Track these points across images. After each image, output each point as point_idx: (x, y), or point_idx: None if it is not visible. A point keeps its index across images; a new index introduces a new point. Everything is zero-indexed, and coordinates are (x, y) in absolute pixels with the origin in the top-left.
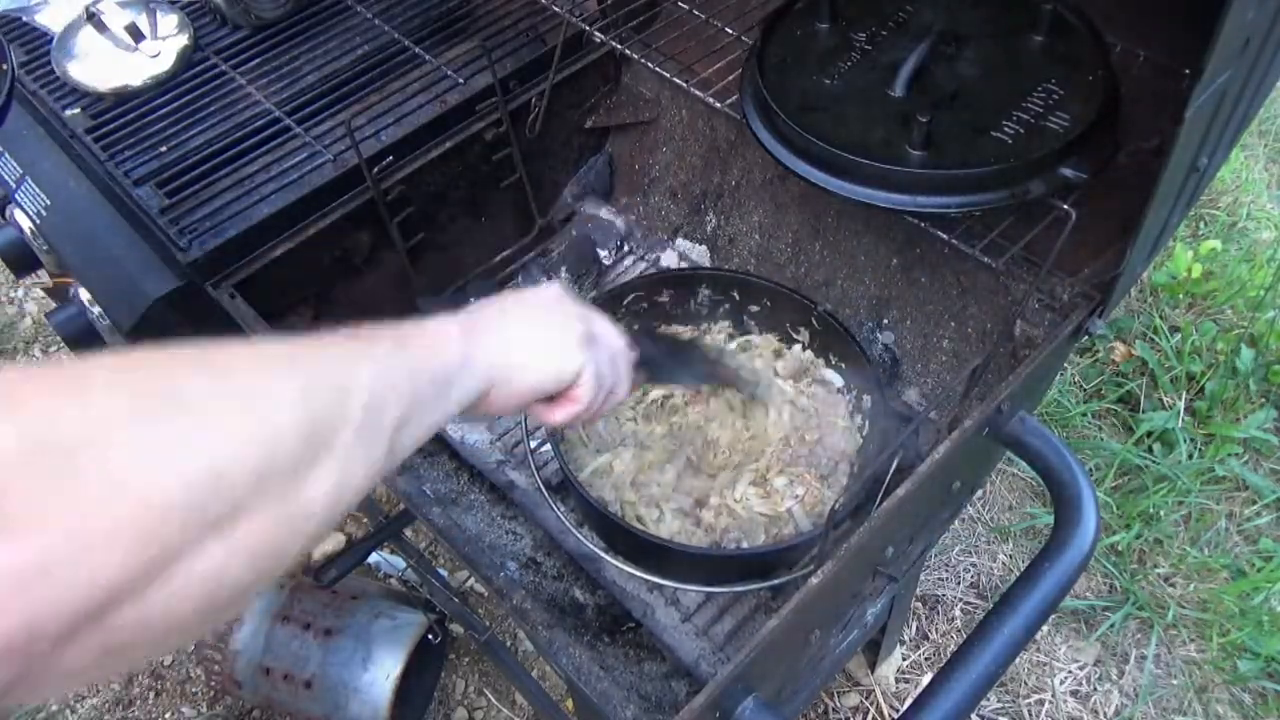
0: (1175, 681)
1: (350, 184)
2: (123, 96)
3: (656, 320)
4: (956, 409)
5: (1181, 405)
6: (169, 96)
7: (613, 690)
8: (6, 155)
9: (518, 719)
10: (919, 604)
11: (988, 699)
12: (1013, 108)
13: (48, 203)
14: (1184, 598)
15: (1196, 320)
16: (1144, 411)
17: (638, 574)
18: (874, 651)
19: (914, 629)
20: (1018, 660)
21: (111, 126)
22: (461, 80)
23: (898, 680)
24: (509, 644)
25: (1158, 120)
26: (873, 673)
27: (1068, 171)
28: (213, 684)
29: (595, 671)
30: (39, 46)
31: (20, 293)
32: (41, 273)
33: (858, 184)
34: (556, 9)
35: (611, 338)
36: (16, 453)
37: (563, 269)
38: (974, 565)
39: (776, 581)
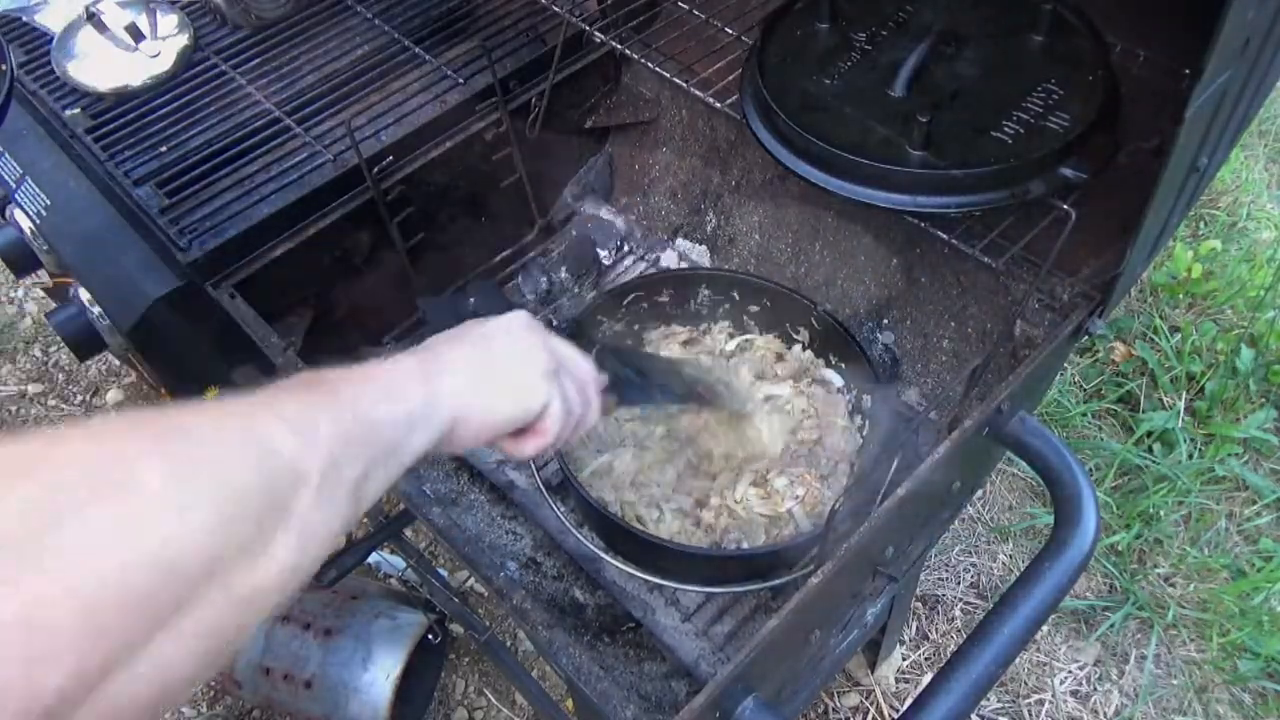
0: (1175, 681)
1: (350, 184)
2: (123, 96)
3: (657, 321)
4: (956, 409)
5: (1181, 405)
6: (169, 96)
7: (613, 690)
8: (6, 155)
9: (518, 719)
10: (919, 604)
11: (988, 699)
12: (1013, 108)
13: (48, 203)
14: (1184, 598)
15: (1196, 320)
16: (1144, 411)
17: (638, 574)
18: (874, 651)
19: (914, 629)
20: (1018, 660)
21: (111, 126)
22: (461, 80)
23: (898, 680)
24: (509, 644)
25: (1158, 120)
26: (873, 673)
27: (1068, 171)
28: (212, 684)
29: (595, 671)
30: (39, 46)
31: (20, 293)
32: (41, 273)
33: (858, 184)
34: (556, 9)
35: (578, 366)
36: None
37: (563, 269)
38: (974, 565)
39: (776, 582)
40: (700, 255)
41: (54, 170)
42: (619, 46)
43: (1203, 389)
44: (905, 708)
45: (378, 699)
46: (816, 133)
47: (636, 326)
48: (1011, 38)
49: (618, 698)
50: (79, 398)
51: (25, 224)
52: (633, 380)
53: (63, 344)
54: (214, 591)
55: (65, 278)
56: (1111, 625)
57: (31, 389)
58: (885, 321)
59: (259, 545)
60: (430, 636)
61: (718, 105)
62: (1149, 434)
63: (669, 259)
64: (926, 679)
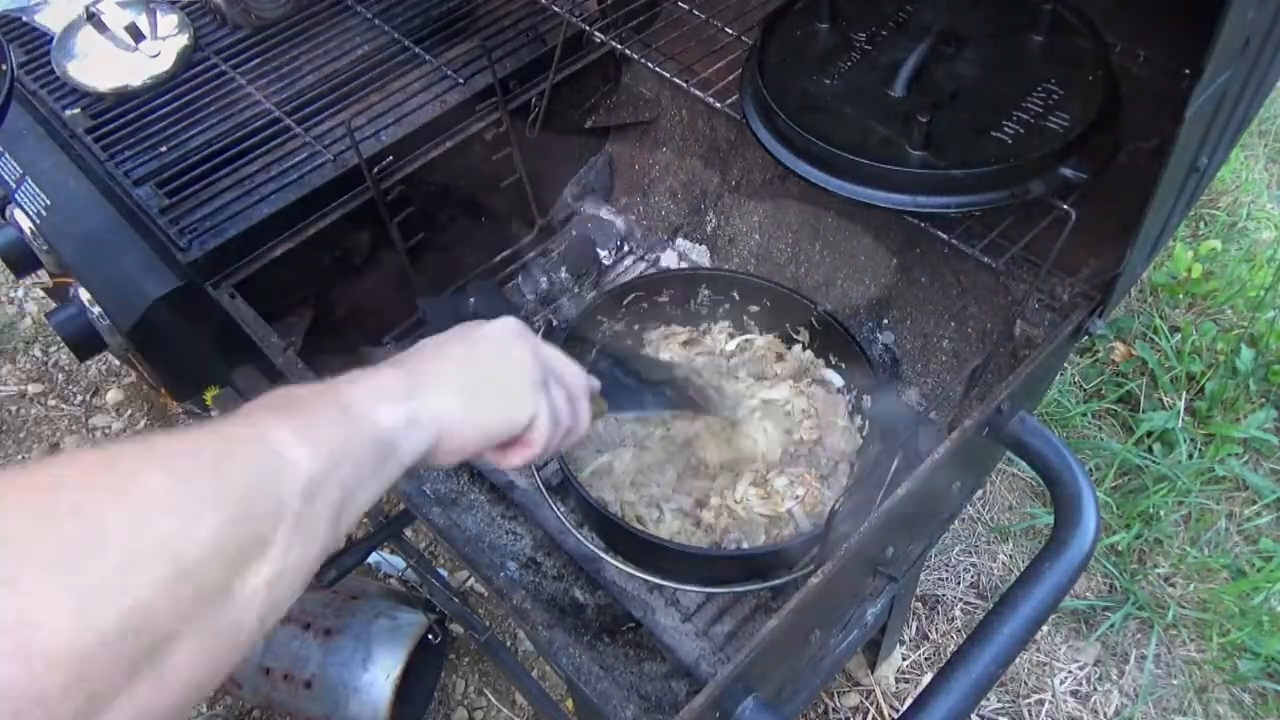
0: (1175, 681)
1: (350, 184)
2: (123, 96)
3: (657, 321)
4: (956, 409)
5: (1181, 405)
6: (169, 96)
7: (613, 690)
8: (6, 155)
9: (518, 719)
10: (919, 604)
11: (988, 699)
12: (1013, 108)
13: (48, 203)
14: (1184, 598)
15: (1196, 320)
16: (1144, 411)
17: (638, 574)
18: (874, 651)
19: (914, 629)
20: (1018, 660)
21: (111, 126)
22: (461, 80)
23: (898, 680)
24: (509, 644)
25: (1158, 120)
26: (873, 673)
27: (1068, 171)
28: None
29: (595, 671)
30: (39, 46)
31: (20, 293)
32: (41, 273)
33: (858, 184)
34: (556, 9)
35: (568, 375)
36: None
37: (563, 269)
38: (974, 565)
39: (776, 582)
40: (700, 255)
41: (54, 170)
42: (619, 46)
43: (1203, 389)
44: (905, 708)
45: (378, 699)
46: (816, 133)
47: (636, 326)
48: (1011, 38)
49: (618, 698)
50: (79, 398)
51: (25, 224)
52: (623, 386)
53: (63, 344)
54: (191, 632)
55: (65, 278)
56: (1111, 625)
57: (31, 389)
58: (885, 321)
59: (236, 580)
60: (430, 636)
61: (718, 105)
62: (1149, 434)
63: (669, 259)
64: (926, 679)
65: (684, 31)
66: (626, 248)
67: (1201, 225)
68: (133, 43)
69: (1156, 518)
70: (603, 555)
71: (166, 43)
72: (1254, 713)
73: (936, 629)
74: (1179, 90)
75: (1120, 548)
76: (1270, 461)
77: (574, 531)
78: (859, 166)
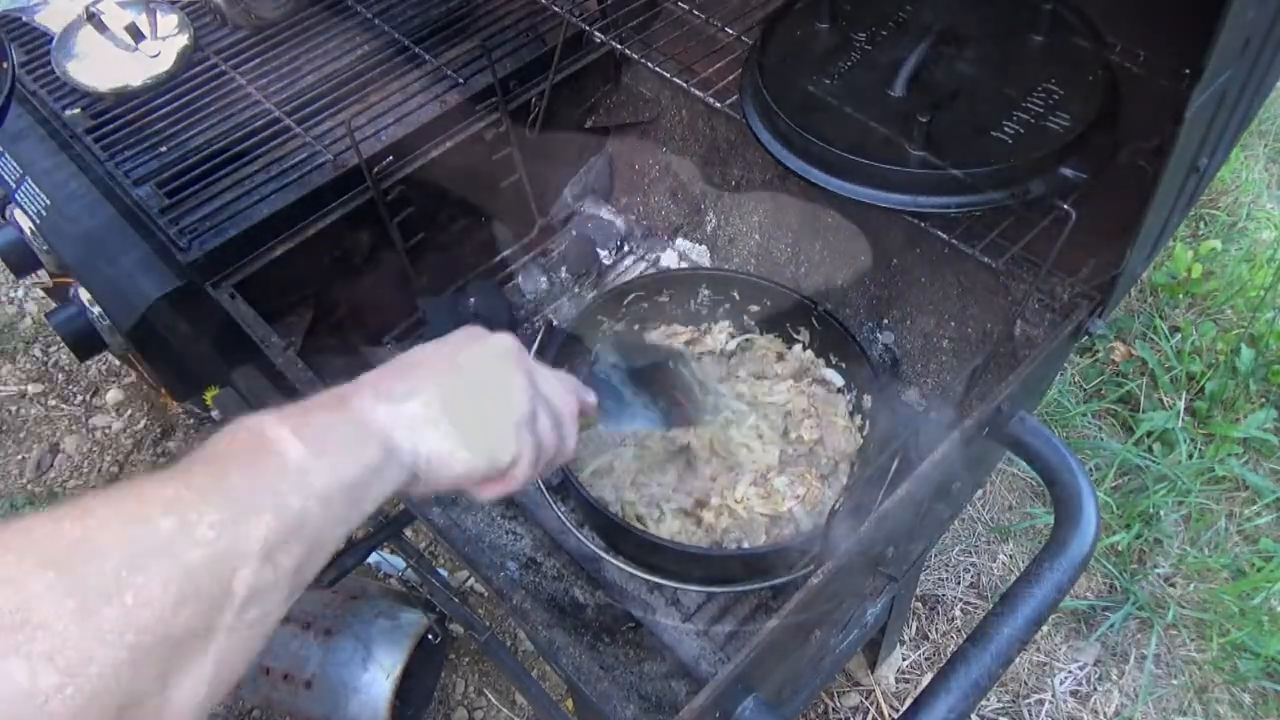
0: (1175, 681)
1: (350, 184)
2: (123, 96)
3: (657, 321)
4: (956, 409)
5: (1181, 405)
6: (169, 96)
7: (613, 690)
8: (6, 155)
9: (518, 719)
10: (919, 604)
11: (988, 699)
12: (1013, 108)
13: (48, 203)
14: (1184, 598)
15: (1196, 320)
16: (1144, 411)
17: (638, 574)
18: (874, 651)
19: (914, 629)
20: (1018, 660)
21: (111, 126)
22: (461, 80)
23: (898, 680)
24: (509, 644)
25: (1158, 120)
26: (873, 673)
27: (1068, 171)
28: None
29: (595, 671)
30: (39, 46)
31: (20, 293)
32: (41, 273)
33: (858, 184)
34: (556, 9)
35: (557, 399)
36: None
37: (563, 269)
38: (974, 565)
39: (777, 581)
40: (700, 255)
41: (54, 170)
42: (619, 46)
43: (1203, 389)
44: (905, 708)
45: (378, 699)
46: (816, 133)
47: (637, 326)
48: (1011, 38)
49: (618, 698)
50: (79, 398)
51: (25, 224)
52: (618, 397)
53: (63, 344)
54: None
55: (65, 278)
56: (1111, 625)
57: (31, 389)
58: (885, 321)
59: (173, 674)
60: (430, 636)
61: (718, 105)
62: (1149, 434)
63: (669, 259)
64: (926, 679)
65: (684, 31)
66: (626, 248)
67: (1201, 225)
68: (133, 43)
69: (1156, 518)
70: (603, 555)
71: (166, 43)
72: (1254, 713)
73: (936, 629)
74: (1179, 90)
75: (1120, 548)
76: (1270, 461)
77: (574, 531)
78: (859, 166)
